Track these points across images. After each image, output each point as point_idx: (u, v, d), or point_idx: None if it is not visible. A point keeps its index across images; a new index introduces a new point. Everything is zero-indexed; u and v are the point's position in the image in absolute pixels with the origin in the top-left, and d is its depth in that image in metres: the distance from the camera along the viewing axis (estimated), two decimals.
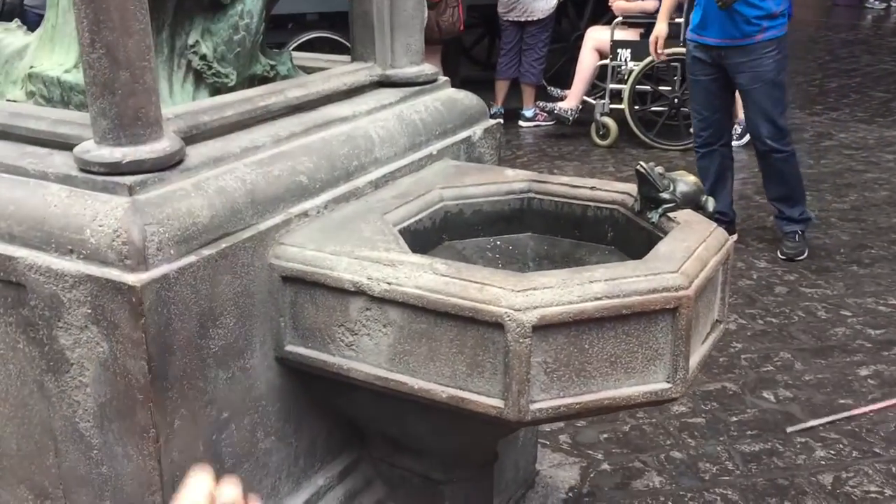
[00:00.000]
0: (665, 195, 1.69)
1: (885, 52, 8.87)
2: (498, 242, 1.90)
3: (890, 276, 3.90)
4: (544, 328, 1.36)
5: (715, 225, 1.67)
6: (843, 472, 2.60)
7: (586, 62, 6.13)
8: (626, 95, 5.87)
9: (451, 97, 2.13)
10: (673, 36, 5.85)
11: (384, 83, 2.04)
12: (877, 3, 11.79)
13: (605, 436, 2.82)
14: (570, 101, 6.20)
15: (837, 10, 12.05)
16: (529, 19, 6.40)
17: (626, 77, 5.89)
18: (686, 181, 1.73)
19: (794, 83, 7.80)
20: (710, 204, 1.75)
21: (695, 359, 1.52)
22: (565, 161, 5.82)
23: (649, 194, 1.71)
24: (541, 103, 6.44)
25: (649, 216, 1.71)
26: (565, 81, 6.41)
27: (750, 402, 2.99)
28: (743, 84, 3.96)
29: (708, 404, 2.99)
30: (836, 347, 3.33)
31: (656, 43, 4.67)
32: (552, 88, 6.49)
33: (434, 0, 5.81)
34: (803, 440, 2.77)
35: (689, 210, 1.72)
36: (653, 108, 6.11)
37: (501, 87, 6.68)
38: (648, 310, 1.41)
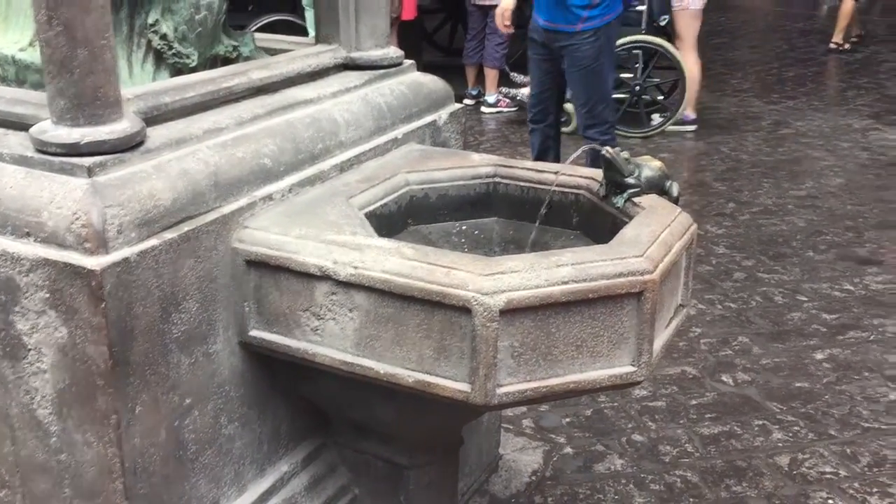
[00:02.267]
0: (630, 180, 1.70)
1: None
2: (464, 227, 1.89)
3: (844, 262, 3.98)
4: (512, 312, 1.36)
5: (679, 210, 1.68)
6: (800, 453, 2.66)
7: None
8: None
9: (416, 81, 2.11)
10: (633, 24, 5.90)
11: (349, 66, 2.02)
12: None
13: (568, 420, 2.84)
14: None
15: (794, 0, 12.23)
16: (493, 3, 6.38)
17: None
18: (651, 166, 1.73)
19: (753, 72, 7.91)
20: (675, 189, 1.76)
21: (659, 342, 1.54)
22: (528, 147, 5.81)
23: (614, 179, 1.71)
24: (503, 89, 6.44)
25: (615, 201, 1.72)
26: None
27: (709, 386, 3.04)
28: (564, 68, 4.02)
29: (668, 388, 3.03)
30: (792, 332, 3.39)
31: (503, 16, 4.66)
32: (515, 74, 6.50)
33: None
34: (761, 422, 2.82)
35: (654, 195, 1.73)
36: (614, 96, 6.13)
37: (471, 72, 6.71)
38: (614, 294, 1.41)
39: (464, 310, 1.36)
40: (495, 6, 6.34)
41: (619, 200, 1.71)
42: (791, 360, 3.19)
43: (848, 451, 2.67)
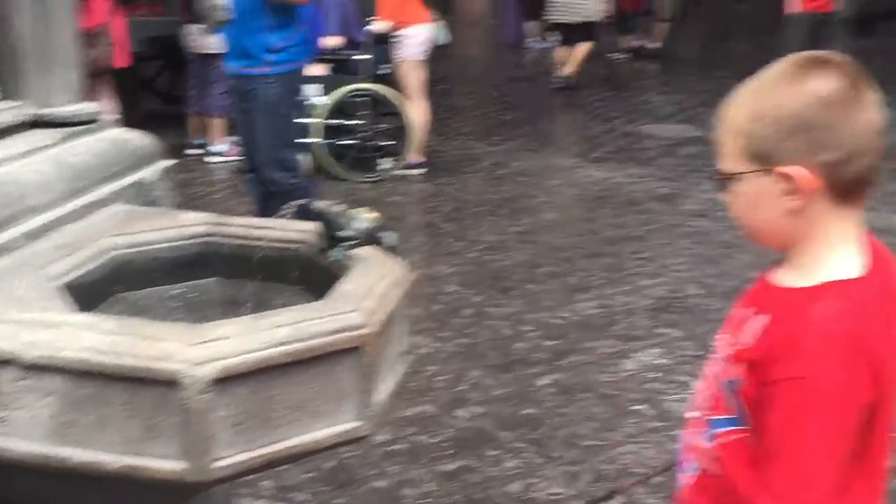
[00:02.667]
0: (345, 233, 1.71)
1: (546, 88, 9.87)
2: (179, 290, 1.80)
3: (560, 291, 4.31)
4: (226, 381, 1.30)
5: (395, 260, 1.72)
6: (530, 478, 2.81)
7: None
8: (317, 130, 5.94)
9: (119, 137, 1.99)
10: (357, 72, 6.06)
11: (39, 123, 1.86)
12: (536, 43, 13.11)
13: (310, 475, 2.78)
14: None
15: (504, 49, 13.23)
16: (213, 51, 6.26)
17: (316, 112, 5.96)
18: (365, 217, 1.76)
19: (472, 116, 8.42)
20: (391, 238, 1.80)
21: (383, 393, 1.55)
22: None
23: (329, 233, 1.72)
24: (234, 138, 6.30)
25: (331, 255, 1.72)
26: None
27: (446, 423, 3.13)
28: (251, 113, 4.12)
29: (408, 430, 3.08)
30: (518, 361, 3.60)
31: None
32: None
33: (86, 31, 5.48)
34: (494, 453, 2.95)
35: (372, 246, 1.76)
36: (343, 142, 6.23)
37: (194, 121, 6.52)
38: (333, 351, 1.40)
39: (173, 384, 1.28)
40: (216, 55, 6.24)
41: (335, 254, 1.72)
42: (519, 389, 3.38)
43: (571, 470, 2.86)
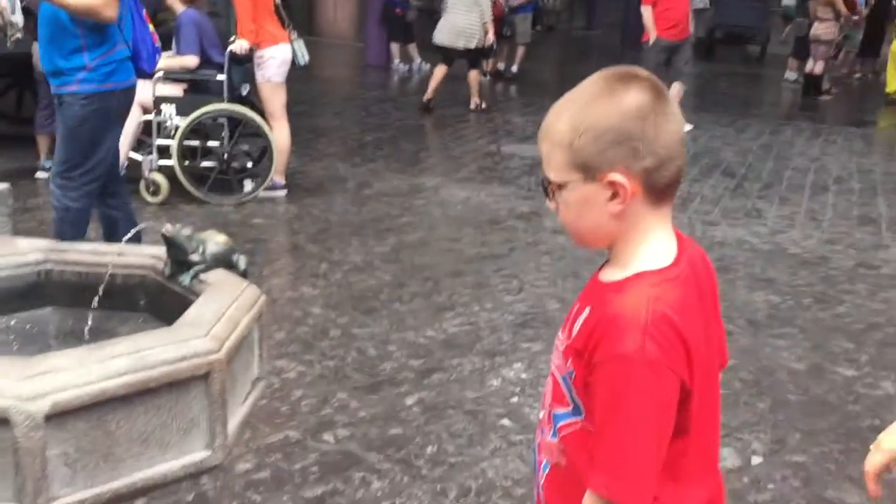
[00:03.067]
0: (195, 257, 1.67)
1: (411, 109, 9.97)
2: (13, 322, 1.70)
3: (426, 311, 4.34)
4: (60, 416, 1.24)
5: (247, 283, 1.69)
6: (396, 498, 2.80)
7: (129, 118, 5.87)
8: (174, 151, 5.76)
9: None
10: (215, 93, 5.93)
11: None
12: (401, 65, 13.24)
13: None
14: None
15: (369, 71, 13.28)
16: None
17: (172, 133, 5.78)
18: (216, 241, 1.72)
19: (337, 137, 8.39)
20: (243, 262, 1.77)
21: (235, 421, 1.51)
22: None
23: (178, 258, 1.67)
24: None
25: (181, 280, 1.67)
26: None
27: (312, 447, 3.07)
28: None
29: (272, 456, 3.00)
30: (385, 381, 3.59)
31: None
32: None
33: None
34: (361, 475, 2.92)
35: (222, 270, 1.72)
36: (203, 164, 6.07)
37: (43, 141, 6.20)
38: (179, 379, 1.36)
39: (2, 421, 1.20)
40: None
41: (185, 279, 1.67)
42: (386, 409, 3.37)
43: (438, 487, 2.87)
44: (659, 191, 1.22)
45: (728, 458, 3.13)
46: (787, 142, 9.06)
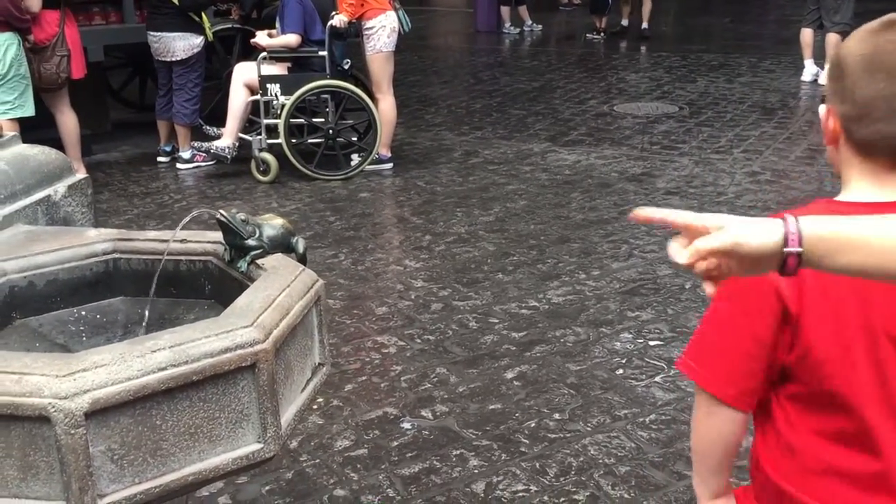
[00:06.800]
0: (251, 242, 1.63)
1: (521, 73, 9.76)
2: (83, 312, 1.71)
3: (529, 280, 4.22)
4: (101, 412, 1.22)
5: (302, 268, 1.63)
6: (494, 476, 2.73)
7: (236, 99, 6.00)
8: (281, 130, 5.84)
9: (20, 154, 1.90)
10: (318, 69, 5.95)
11: None
12: (512, 28, 12.99)
13: (268, 487, 2.70)
14: (226, 139, 6.04)
15: (479, 37, 13.11)
16: (173, 59, 6.16)
17: (278, 112, 5.86)
18: (272, 224, 1.67)
19: (445, 106, 8.31)
20: (301, 245, 1.71)
21: (291, 410, 1.46)
22: (227, 201, 5.64)
23: (235, 243, 1.63)
24: (196, 143, 6.21)
25: (238, 265, 1.64)
26: (223, 119, 6.25)
27: (409, 424, 3.04)
28: None
29: (370, 433, 3.00)
30: (486, 355, 3.52)
31: None
32: (207, 127, 6.29)
33: (40, 45, 5.39)
34: (458, 452, 2.87)
35: (280, 255, 1.67)
36: (310, 141, 6.13)
37: (163, 127, 6.45)
38: (224, 371, 1.32)
39: (42, 419, 1.20)
40: (180, 61, 6.14)
41: (242, 264, 1.63)
42: (485, 384, 3.30)
43: (537, 465, 2.78)
44: (861, 145, 1.22)
45: None
46: None
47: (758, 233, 0.96)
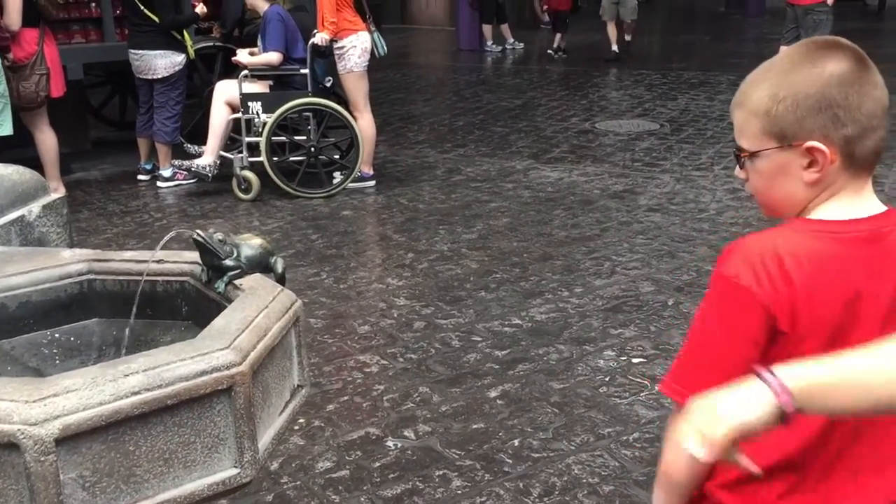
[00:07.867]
0: (228, 262, 1.60)
1: (503, 91, 9.80)
2: (57, 335, 1.68)
3: (512, 298, 4.21)
4: (72, 439, 1.19)
5: (281, 288, 1.61)
6: (478, 497, 2.70)
7: (217, 117, 5.99)
8: (262, 147, 5.81)
9: None
10: (300, 87, 5.95)
11: None
12: (494, 46, 13.07)
13: None
14: (207, 157, 6.02)
15: (461, 55, 13.17)
16: (155, 77, 6.14)
17: (260, 129, 5.84)
18: (250, 244, 1.65)
19: (428, 123, 8.32)
20: (280, 265, 1.69)
21: (268, 434, 1.44)
22: (208, 219, 5.60)
23: (212, 263, 1.61)
24: (177, 162, 6.18)
25: (216, 286, 1.61)
26: (204, 138, 6.22)
27: (392, 444, 3.01)
28: None
29: (352, 454, 2.96)
30: (468, 374, 3.49)
31: None
32: (188, 145, 6.27)
33: (19, 63, 5.36)
34: (441, 472, 2.84)
35: (259, 275, 1.65)
36: (292, 159, 6.11)
37: (143, 145, 6.43)
38: (199, 395, 1.29)
39: (11, 446, 1.17)
40: (161, 79, 6.11)
41: (219, 285, 1.61)
42: (468, 403, 3.27)
43: (521, 485, 2.75)
44: (857, 161, 1.20)
45: None
46: None
47: (751, 408, 1.02)
